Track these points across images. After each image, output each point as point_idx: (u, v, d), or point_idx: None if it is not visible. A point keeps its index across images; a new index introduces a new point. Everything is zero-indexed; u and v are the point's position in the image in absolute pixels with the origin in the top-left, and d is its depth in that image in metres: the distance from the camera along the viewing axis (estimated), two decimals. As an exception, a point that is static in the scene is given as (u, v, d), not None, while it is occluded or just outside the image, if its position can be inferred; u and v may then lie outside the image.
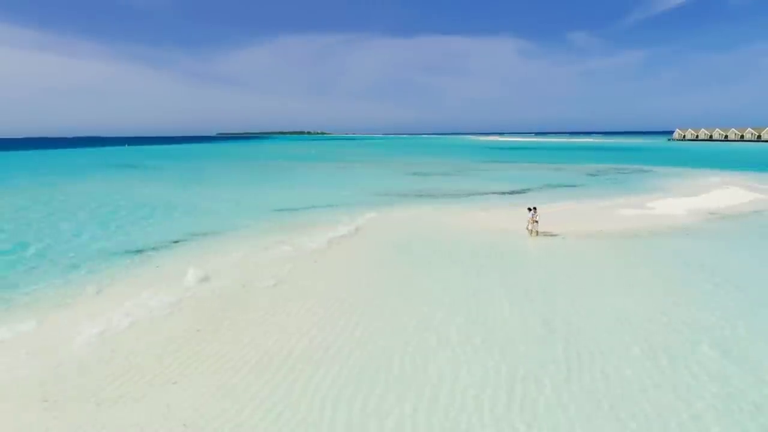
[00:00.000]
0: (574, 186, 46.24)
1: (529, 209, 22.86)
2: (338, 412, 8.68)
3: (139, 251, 21.12)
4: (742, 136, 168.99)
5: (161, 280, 16.62)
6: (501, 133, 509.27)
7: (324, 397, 9.13)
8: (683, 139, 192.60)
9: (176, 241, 23.05)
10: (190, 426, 8.34)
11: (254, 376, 9.99)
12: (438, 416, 8.51)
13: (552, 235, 22.50)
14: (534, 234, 22.21)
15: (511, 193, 41.08)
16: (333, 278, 16.69)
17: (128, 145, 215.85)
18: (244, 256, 19.77)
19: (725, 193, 38.06)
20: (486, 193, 40.83)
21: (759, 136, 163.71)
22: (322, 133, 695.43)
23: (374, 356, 10.76)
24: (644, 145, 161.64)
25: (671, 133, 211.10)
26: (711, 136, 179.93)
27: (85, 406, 8.98)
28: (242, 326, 12.61)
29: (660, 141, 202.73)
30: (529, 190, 43.14)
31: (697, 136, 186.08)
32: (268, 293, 15.16)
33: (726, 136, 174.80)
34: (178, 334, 12.15)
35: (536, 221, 22.26)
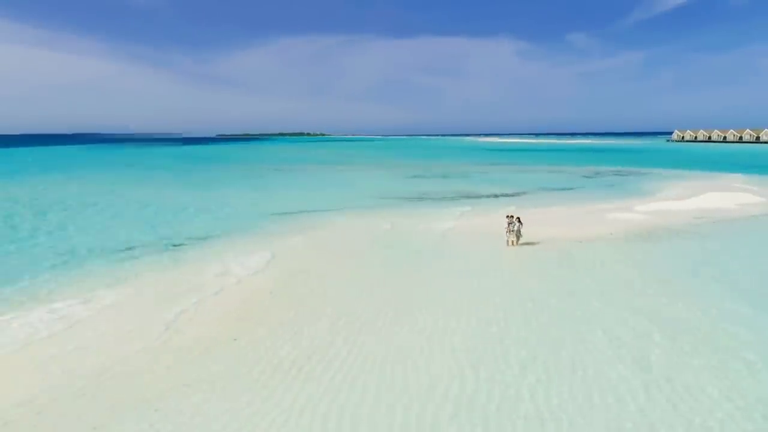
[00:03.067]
0: (571, 189, 46.45)
1: (507, 217, 21.94)
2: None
3: (143, 256, 21.25)
4: (740, 138, 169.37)
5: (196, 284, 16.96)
6: (500, 135, 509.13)
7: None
8: (682, 140, 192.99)
9: (177, 245, 23.17)
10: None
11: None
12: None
13: (533, 244, 21.76)
14: (512, 243, 21.25)
15: (506, 196, 41.39)
16: (346, 280, 17.03)
17: (127, 146, 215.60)
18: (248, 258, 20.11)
19: (722, 196, 38.20)
20: (485, 196, 41.13)
21: (757, 138, 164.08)
22: (322, 135, 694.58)
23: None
24: (643, 147, 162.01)
25: (670, 134, 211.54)
26: (709, 137, 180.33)
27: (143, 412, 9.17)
28: (281, 328, 12.87)
29: (659, 142, 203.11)
30: (524, 193, 43.38)
31: (695, 137, 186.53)
32: (285, 299, 15.40)
33: (724, 137, 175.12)
34: (216, 335, 12.60)
35: (512, 230, 21.29)
